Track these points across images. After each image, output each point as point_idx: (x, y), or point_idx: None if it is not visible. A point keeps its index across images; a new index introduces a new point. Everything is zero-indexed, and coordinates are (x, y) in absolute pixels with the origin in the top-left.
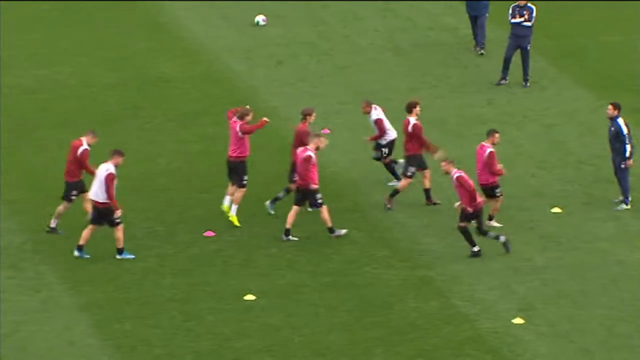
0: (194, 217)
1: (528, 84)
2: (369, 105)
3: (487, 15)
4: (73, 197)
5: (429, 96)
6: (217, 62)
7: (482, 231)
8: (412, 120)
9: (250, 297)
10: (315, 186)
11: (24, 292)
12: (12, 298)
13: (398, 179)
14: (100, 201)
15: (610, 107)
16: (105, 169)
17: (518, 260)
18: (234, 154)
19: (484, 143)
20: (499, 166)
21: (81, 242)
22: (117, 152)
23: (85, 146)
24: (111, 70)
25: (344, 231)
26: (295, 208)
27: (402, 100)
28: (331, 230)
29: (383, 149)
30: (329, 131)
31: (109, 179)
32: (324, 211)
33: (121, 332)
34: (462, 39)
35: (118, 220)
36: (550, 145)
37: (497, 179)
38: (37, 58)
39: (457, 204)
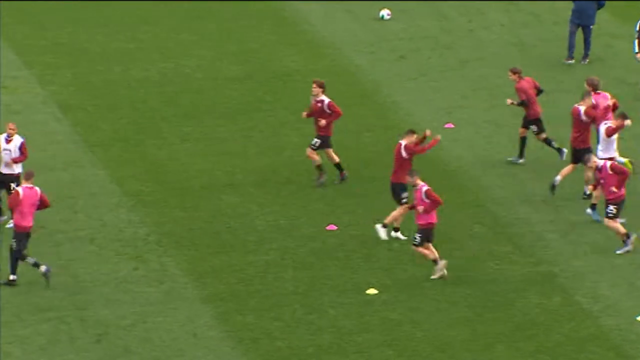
0: (316, 211)
1: None
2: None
3: (592, 27)
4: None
5: (554, 91)
6: (339, 56)
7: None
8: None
9: (371, 291)
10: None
11: (148, 284)
12: (136, 289)
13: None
14: None
15: None
16: None
17: None
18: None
19: None
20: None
21: (594, 201)
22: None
23: None
24: (236, 63)
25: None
26: None
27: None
28: None
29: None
30: (452, 126)
31: None
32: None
33: (243, 324)
34: None
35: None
36: None
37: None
38: (163, 51)
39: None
